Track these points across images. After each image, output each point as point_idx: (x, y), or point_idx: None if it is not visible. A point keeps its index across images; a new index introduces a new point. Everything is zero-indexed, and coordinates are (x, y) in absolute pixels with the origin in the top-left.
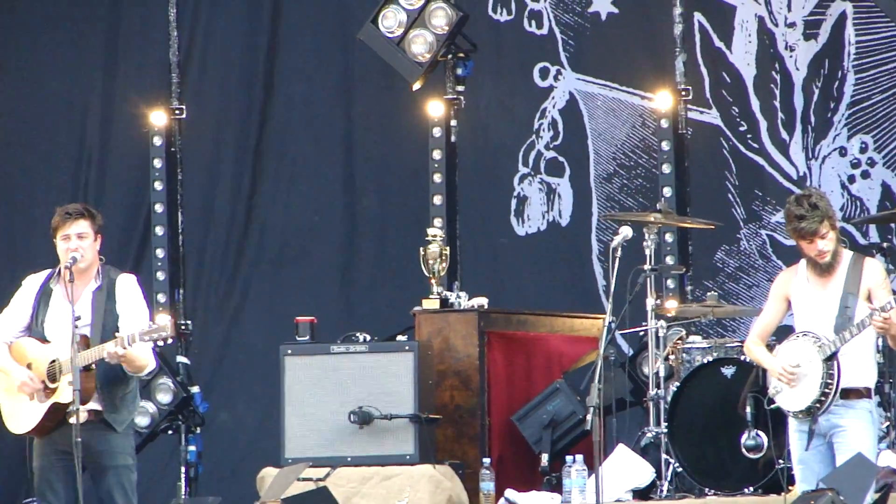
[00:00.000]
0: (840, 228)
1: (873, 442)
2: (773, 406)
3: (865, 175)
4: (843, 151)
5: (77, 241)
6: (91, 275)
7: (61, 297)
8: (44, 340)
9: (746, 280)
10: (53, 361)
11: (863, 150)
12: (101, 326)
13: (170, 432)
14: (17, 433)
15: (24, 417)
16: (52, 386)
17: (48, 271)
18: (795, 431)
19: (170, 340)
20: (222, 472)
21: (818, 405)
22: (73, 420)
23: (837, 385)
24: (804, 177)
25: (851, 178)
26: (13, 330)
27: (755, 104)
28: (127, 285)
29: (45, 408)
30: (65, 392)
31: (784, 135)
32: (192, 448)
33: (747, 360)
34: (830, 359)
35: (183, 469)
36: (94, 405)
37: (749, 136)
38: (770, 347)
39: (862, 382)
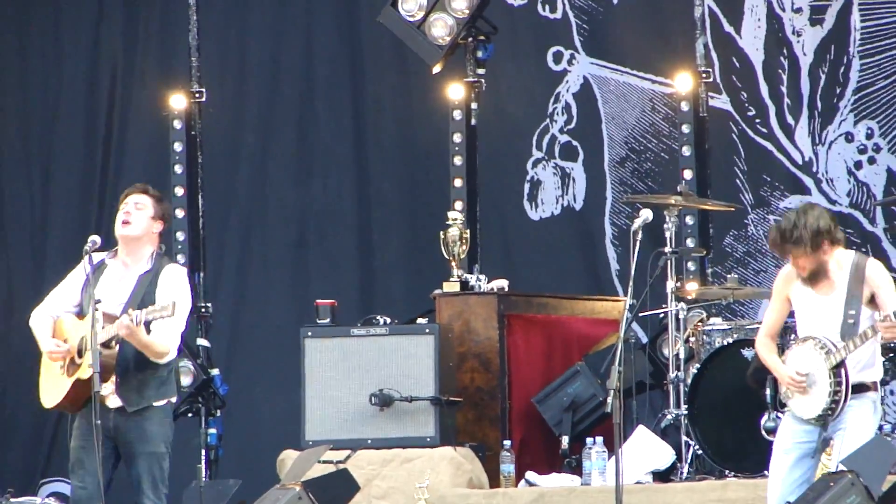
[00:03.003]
0: (847, 216)
1: (874, 429)
2: (786, 410)
3: (872, 161)
4: (849, 137)
5: (132, 208)
6: (144, 258)
7: (111, 274)
8: (81, 317)
9: (754, 265)
10: (83, 337)
11: (869, 135)
12: (135, 307)
13: (189, 415)
14: (46, 407)
15: (53, 392)
16: (78, 361)
17: (108, 252)
18: (793, 424)
19: (171, 319)
20: (243, 454)
21: (829, 412)
22: (104, 394)
23: (847, 392)
24: (810, 162)
25: (858, 164)
26: (62, 305)
27: (764, 89)
28: (173, 274)
29: (69, 383)
30: (86, 368)
31: (790, 120)
32: (212, 431)
33: None
34: (838, 367)
35: (203, 452)
36: (110, 385)
37: (758, 121)
38: (780, 349)
39: (868, 378)
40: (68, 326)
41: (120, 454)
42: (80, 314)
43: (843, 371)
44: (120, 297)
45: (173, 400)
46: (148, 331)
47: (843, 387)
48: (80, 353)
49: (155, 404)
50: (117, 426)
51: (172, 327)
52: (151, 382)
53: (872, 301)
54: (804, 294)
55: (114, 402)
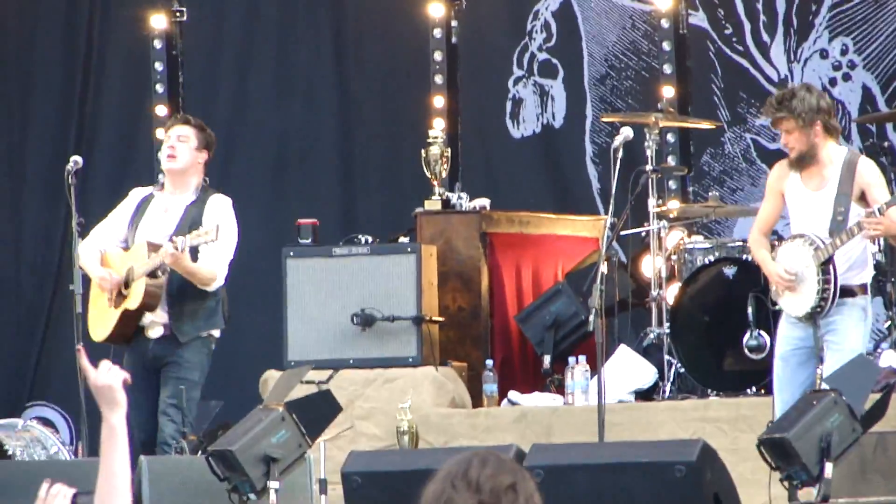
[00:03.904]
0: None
1: (864, 336)
2: (776, 307)
3: (847, 78)
4: (824, 54)
5: (176, 141)
6: (190, 188)
7: (158, 207)
8: (127, 251)
9: (731, 184)
10: (130, 268)
11: (843, 52)
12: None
13: None
14: (96, 341)
15: (102, 325)
16: (125, 293)
17: (155, 185)
18: (787, 329)
19: (214, 244)
20: (225, 375)
21: (819, 309)
22: (144, 324)
23: (835, 289)
24: (785, 79)
25: (833, 81)
26: (110, 239)
27: (740, 7)
28: (219, 203)
29: (117, 315)
30: (132, 298)
31: (766, 37)
32: None
33: (749, 259)
34: (826, 263)
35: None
36: (161, 315)
37: (734, 38)
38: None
39: (857, 280)
40: (115, 259)
41: (158, 381)
42: (126, 248)
43: (831, 268)
44: (167, 229)
45: (216, 333)
46: (195, 258)
47: (832, 284)
48: (127, 284)
49: (202, 334)
50: (156, 355)
51: (219, 253)
52: (201, 312)
53: (863, 198)
54: (796, 189)
55: (155, 332)
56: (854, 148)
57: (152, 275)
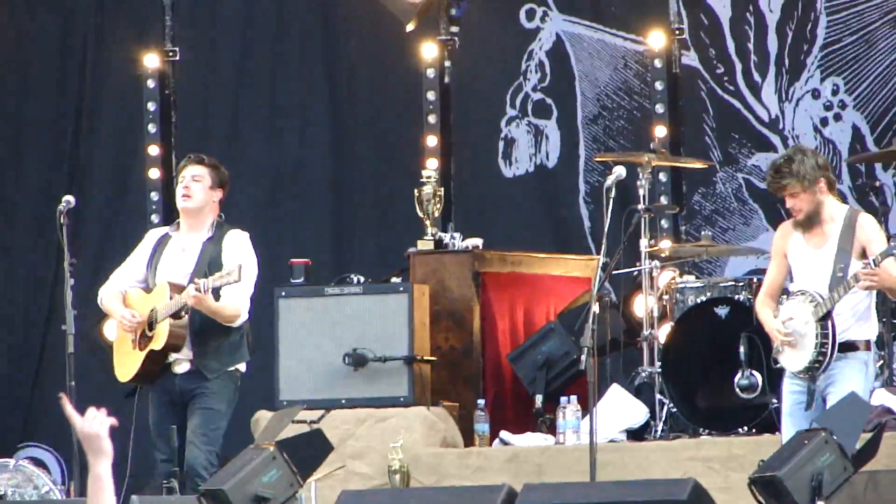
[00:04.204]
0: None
1: (864, 389)
2: (777, 366)
3: (837, 118)
4: (815, 94)
5: (190, 181)
6: (205, 226)
7: (175, 246)
8: (149, 291)
9: (722, 224)
10: (153, 310)
11: (835, 92)
12: (202, 276)
13: None
14: (122, 381)
15: (128, 365)
16: (149, 334)
17: (171, 225)
18: (790, 385)
19: (238, 284)
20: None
21: (817, 365)
22: (175, 369)
23: (833, 344)
24: (776, 119)
25: (824, 121)
26: (129, 280)
27: (731, 46)
28: (236, 239)
29: (142, 356)
30: (156, 340)
31: (757, 77)
32: None
33: (740, 298)
34: (825, 318)
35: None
36: (186, 353)
37: (725, 78)
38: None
39: (860, 336)
40: (137, 300)
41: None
42: (147, 289)
43: (829, 323)
44: (185, 268)
45: (242, 368)
46: (217, 297)
47: (830, 339)
48: (151, 326)
49: (229, 369)
50: (183, 389)
51: (241, 291)
52: (225, 347)
53: (864, 255)
54: (798, 248)
55: (181, 367)
56: (855, 205)
57: (176, 315)
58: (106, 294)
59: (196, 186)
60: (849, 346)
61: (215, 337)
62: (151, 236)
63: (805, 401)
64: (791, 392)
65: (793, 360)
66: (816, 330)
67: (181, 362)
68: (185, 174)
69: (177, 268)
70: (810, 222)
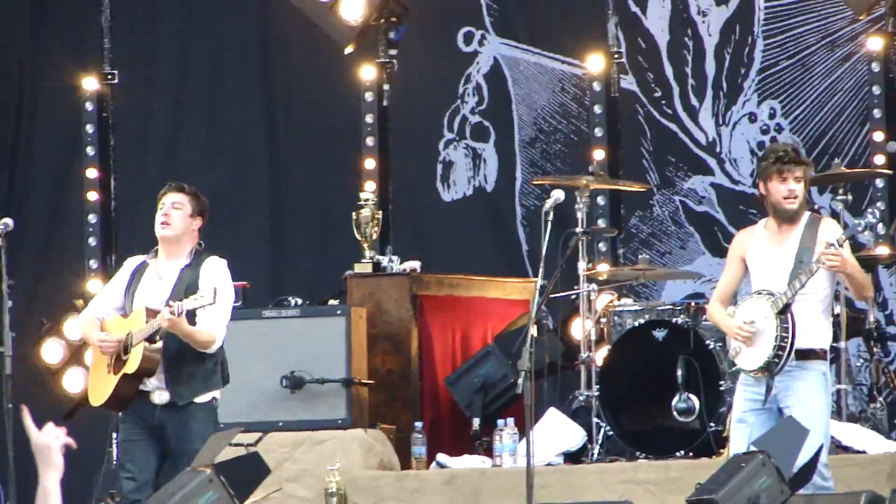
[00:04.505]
0: (750, 195)
1: (825, 403)
2: (734, 368)
3: (774, 141)
4: (752, 117)
5: (170, 208)
6: (184, 253)
7: (152, 274)
8: (125, 317)
9: (659, 247)
10: (129, 334)
11: (771, 115)
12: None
13: None
14: (95, 405)
15: (100, 390)
16: (123, 358)
17: (149, 253)
18: (743, 392)
19: (212, 306)
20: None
21: (776, 360)
22: (148, 389)
23: (793, 339)
24: (713, 143)
25: (760, 145)
26: (106, 307)
27: (669, 70)
28: (214, 266)
29: (115, 380)
30: (132, 363)
31: (694, 101)
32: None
33: (679, 322)
34: (784, 312)
35: (114, 435)
36: (160, 378)
37: (663, 102)
38: None
39: (817, 343)
40: (113, 325)
41: (164, 450)
42: (125, 315)
43: (789, 316)
44: (162, 294)
45: (217, 396)
46: (192, 322)
47: (790, 333)
48: (126, 350)
49: (200, 400)
50: (162, 423)
51: (216, 315)
52: (199, 374)
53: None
54: (760, 248)
55: (160, 398)
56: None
57: (150, 339)
58: (83, 322)
59: (175, 214)
60: (805, 354)
61: (189, 363)
62: (129, 264)
63: (761, 399)
64: (746, 397)
65: (750, 357)
66: (776, 323)
67: (160, 392)
68: (164, 201)
69: (153, 294)
70: (795, 215)
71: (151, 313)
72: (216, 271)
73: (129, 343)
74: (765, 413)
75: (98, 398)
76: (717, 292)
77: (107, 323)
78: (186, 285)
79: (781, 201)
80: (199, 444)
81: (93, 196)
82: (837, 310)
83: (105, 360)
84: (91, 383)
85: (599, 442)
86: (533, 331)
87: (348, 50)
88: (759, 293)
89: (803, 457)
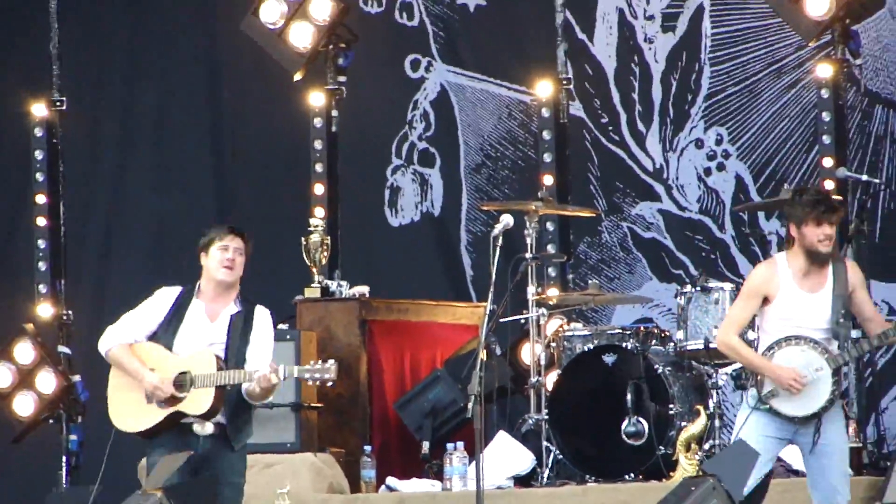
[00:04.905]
0: (697, 222)
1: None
2: (763, 407)
3: (721, 167)
4: (699, 143)
5: (234, 253)
6: (231, 298)
7: (200, 313)
8: (168, 347)
9: (608, 272)
10: (184, 373)
11: (718, 142)
12: (235, 350)
13: (51, 421)
14: (124, 430)
15: (138, 418)
16: (178, 395)
17: (183, 287)
18: (764, 427)
19: (330, 384)
20: (102, 460)
21: (823, 411)
22: (197, 429)
23: (839, 394)
24: (661, 169)
25: (707, 171)
26: (138, 333)
27: (616, 96)
28: (265, 317)
29: (164, 414)
30: (191, 404)
31: (641, 127)
32: (73, 437)
33: (629, 347)
34: (838, 370)
35: (64, 458)
36: (220, 420)
37: (610, 128)
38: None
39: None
40: (153, 355)
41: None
42: (167, 346)
43: (840, 374)
44: (212, 337)
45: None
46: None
47: (840, 388)
48: (180, 388)
49: (247, 442)
50: (206, 457)
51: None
52: (250, 420)
53: (850, 298)
54: (791, 291)
55: (204, 429)
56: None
57: (221, 386)
58: (115, 343)
59: (240, 260)
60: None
61: (244, 411)
62: (168, 295)
63: (780, 437)
64: (765, 436)
65: (796, 405)
66: (832, 381)
67: (200, 424)
68: (227, 244)
69: (203, 335)
70: (827, 258)
71: (221, 361)
72: (266, 324)
73: (185, 382)
74: (781, 446)
75: (131, 425)
76: (735, 325)
77: (144, 352)
78: (241, 335)
79: (816, 244)
80: (240, 476)
81: (42, 221)
82: None
83: (140, 388)
84: (119, 407)
85: (549, 465)
86: (482, 355)
87: (297, 77)
88: (799, 340)
89: (753, 481)
